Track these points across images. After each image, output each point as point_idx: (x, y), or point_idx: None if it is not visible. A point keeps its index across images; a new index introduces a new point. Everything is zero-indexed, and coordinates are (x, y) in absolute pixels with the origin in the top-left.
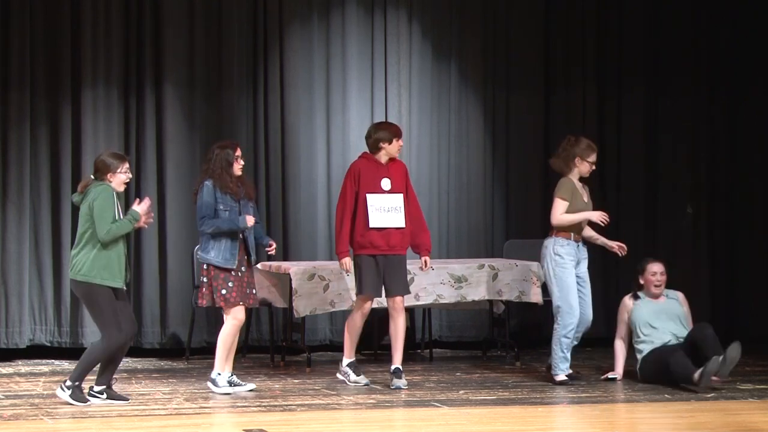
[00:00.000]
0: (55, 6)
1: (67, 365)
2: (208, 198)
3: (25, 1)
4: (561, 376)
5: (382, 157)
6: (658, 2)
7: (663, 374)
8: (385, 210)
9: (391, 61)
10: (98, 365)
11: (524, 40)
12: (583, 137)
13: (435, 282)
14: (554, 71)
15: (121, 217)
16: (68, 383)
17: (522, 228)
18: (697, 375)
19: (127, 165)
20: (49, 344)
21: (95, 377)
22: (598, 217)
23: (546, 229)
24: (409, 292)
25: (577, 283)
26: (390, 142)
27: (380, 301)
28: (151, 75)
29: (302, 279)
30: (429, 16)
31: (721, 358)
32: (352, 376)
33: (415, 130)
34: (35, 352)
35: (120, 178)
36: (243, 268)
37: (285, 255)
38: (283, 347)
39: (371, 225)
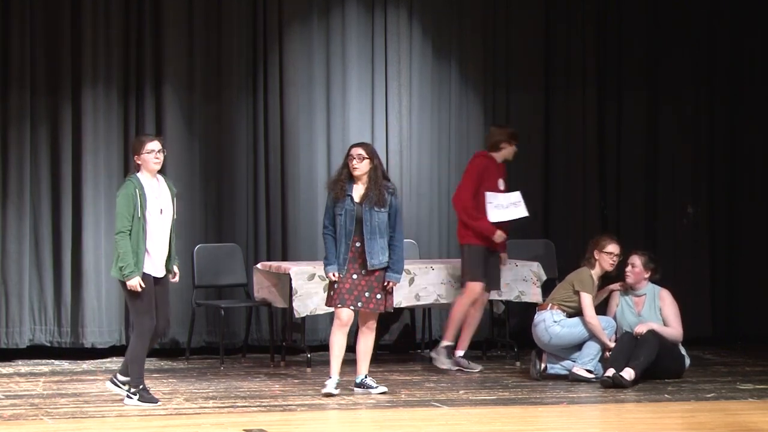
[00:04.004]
0: (55, 6)
1: (67, 365)
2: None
3: (25, 1)
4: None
5: (499, 157)
6: (658, 2)
7: None
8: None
9: (391, 61)
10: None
11: (524, 40)
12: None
13: (435, 282)
14: (554, 71)
15: (145, 209)
16: (132, 390)
17: (522, 228)
18: (610, 373)
19: (148, 145)
20: (49, 344)
21: (121, 369)
22: None
23: (546, 228)
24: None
25: None
26: (509, 144)
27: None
28: (151, 75)
29: (302, 279)
30: (429, 15)
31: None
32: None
33: (416, 129)
34: (35, 352)
35: (146, 158)
36: (355, 276)
37: (285, 255)
38: (283, 347)
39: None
